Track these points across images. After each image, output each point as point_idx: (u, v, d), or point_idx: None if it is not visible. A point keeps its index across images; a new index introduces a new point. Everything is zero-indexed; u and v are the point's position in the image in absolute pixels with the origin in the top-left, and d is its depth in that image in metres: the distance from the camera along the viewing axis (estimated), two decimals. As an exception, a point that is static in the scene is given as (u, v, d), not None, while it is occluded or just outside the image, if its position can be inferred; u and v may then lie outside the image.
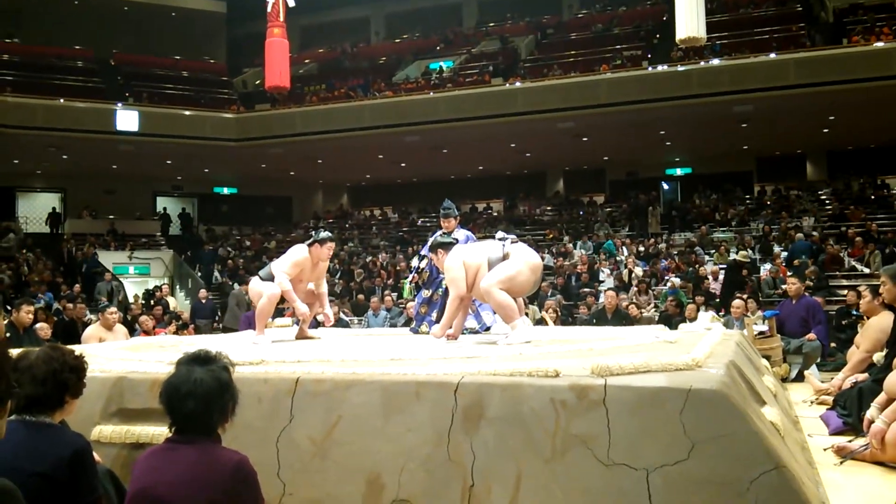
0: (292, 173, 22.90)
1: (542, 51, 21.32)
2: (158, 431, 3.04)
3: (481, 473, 2.74)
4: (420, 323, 6.07)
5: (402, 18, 26.70)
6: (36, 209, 21.98)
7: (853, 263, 13.96)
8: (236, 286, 14.87)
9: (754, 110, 16.06)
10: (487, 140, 18.76)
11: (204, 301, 14.38)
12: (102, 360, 3.92)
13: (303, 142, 19.07)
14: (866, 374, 5.05)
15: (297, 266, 5.29)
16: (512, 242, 4.80)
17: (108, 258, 18.65)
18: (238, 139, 19.34)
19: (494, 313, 5.37)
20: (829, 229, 15.90)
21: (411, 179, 23.73)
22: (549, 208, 21.69)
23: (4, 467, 1.96)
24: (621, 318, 9.14)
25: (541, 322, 9.95)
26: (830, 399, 5.26)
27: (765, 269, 13.82)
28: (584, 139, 18.62)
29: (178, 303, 16.82)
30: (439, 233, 5.83)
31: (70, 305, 12.60)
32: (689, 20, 8.13)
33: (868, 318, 5.93)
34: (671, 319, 9.05)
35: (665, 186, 22.53)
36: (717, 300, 12.00)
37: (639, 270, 14.49)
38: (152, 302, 14.84)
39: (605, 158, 21.41)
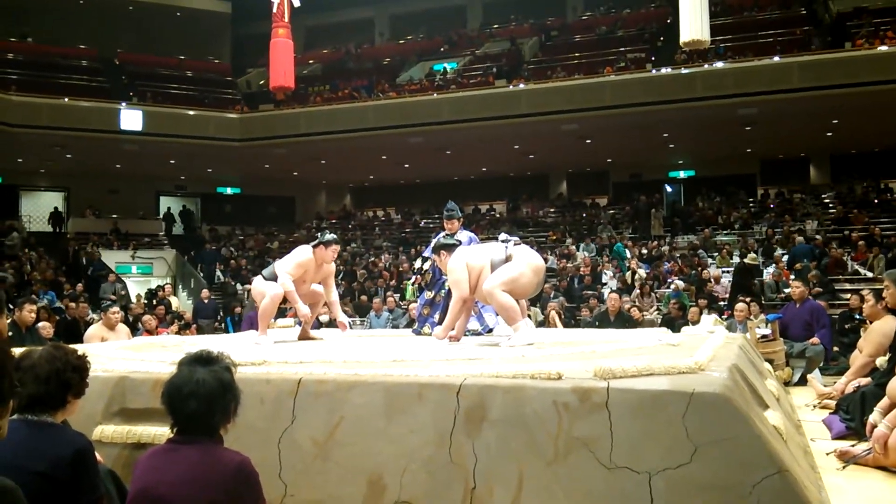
0: (296, 174, 22.88)
1: (546, 53, 21.32)
2: (160, 432, 3.04)
3: (483, 475, 2.74)
4: (422, 324, 6.06)
5: (406, 19, 26.73)
6: (39, 208, 21.97)
7: (856, 267, 13.91)
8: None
9: (758, 113, 16.03)
10: (491, 142, 18.75)
11: (206, 301, 14.40)
12: (104, 360, 3.92)
13: (306, 142, 19.06)
14: (869, 379, 5.03)
15: (300, 267, 5.28)
16: (515, 244, 4.78)
17: (110, 258, 18.68)
18: (242, 139, 19.35)
19: (497, 315, 5.36)
20: (833, 233, 15.84)
21: (414, 180, 23.71)
22: (552, 210, 21.64)
23: (6, 466, 1.95)
24: (624, 320, 9.15)
25: (544, 324, 9.96)
26: (833, 403, 5.25)
27: (768, 273, 13.78)
28: (588, 141, 18.61)
29: (181, 302, 16.85)
30: (442, 234, 5.83)
31: (73, 304, 12.60)
32: (693, 23, 8.12)
33: (871, 322, 5.93)
34: (674, 322, 9.05)
35: (668, 189, 22.52)
36: (724, 303, 11.96)
37: (642, 273, 14.47)
38: (154, 301, 14.86)
39: (609, 161, 21.37)
